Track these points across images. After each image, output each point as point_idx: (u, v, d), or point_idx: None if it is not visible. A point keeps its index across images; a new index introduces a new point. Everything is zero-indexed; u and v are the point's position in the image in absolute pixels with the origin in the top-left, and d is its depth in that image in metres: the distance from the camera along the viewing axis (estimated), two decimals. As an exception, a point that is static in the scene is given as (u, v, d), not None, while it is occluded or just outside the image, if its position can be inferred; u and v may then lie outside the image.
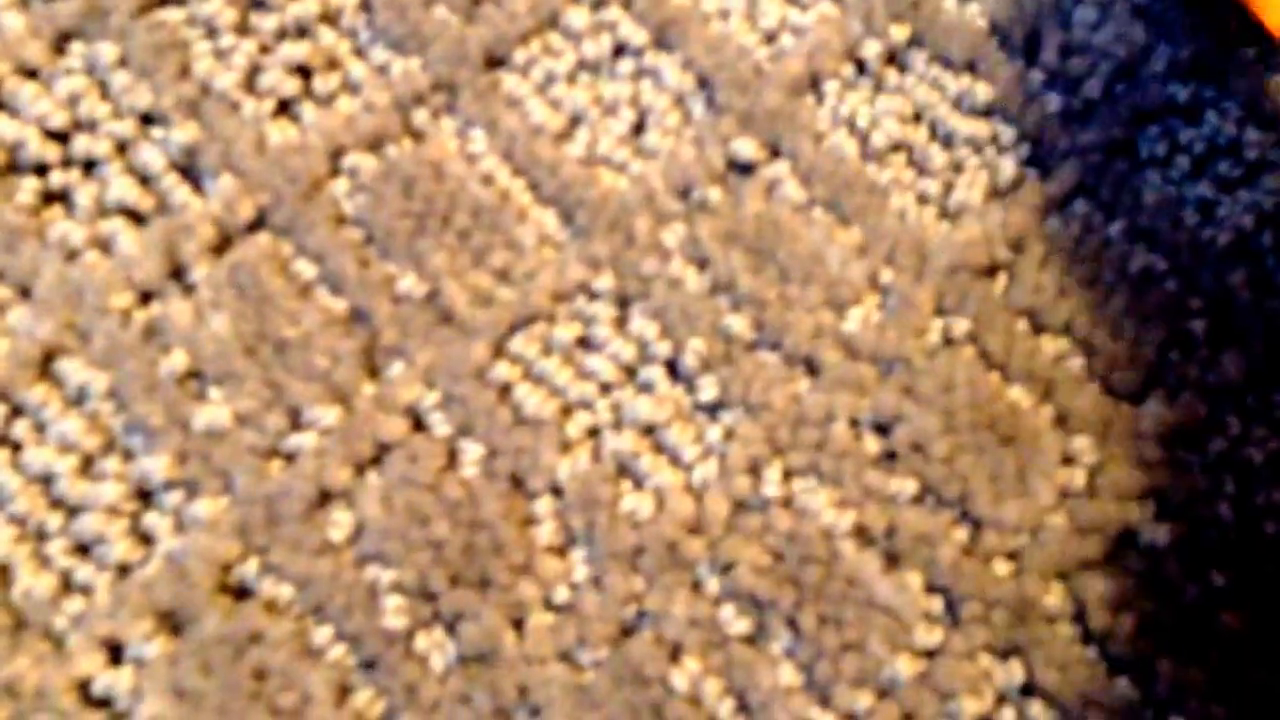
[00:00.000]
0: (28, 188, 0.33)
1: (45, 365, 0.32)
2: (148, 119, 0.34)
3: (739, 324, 0.34)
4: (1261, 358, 0.35)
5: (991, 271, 0.36)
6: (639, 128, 0.36)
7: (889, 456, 0.34)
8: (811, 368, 0.34)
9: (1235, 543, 0.33)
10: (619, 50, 0.37)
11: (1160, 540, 0.33)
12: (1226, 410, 0.35)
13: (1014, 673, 0.32)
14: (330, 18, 0.36)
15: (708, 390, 0.34)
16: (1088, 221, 0.36)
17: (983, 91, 0.37)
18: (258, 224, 0.34)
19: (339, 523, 0.32)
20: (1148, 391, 0.35)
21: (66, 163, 0.34)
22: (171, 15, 0.35)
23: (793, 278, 0.35)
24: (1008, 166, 0.37)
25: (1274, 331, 0.35)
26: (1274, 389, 0.35)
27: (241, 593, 0.31)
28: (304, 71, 0.35)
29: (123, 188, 0.34)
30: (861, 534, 0.33)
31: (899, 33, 0.38)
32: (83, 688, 0.30)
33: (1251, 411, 0.35)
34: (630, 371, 0.34)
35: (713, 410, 0.34)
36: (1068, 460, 0.34)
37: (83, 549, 0.31)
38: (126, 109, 0.34)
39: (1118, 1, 0.38)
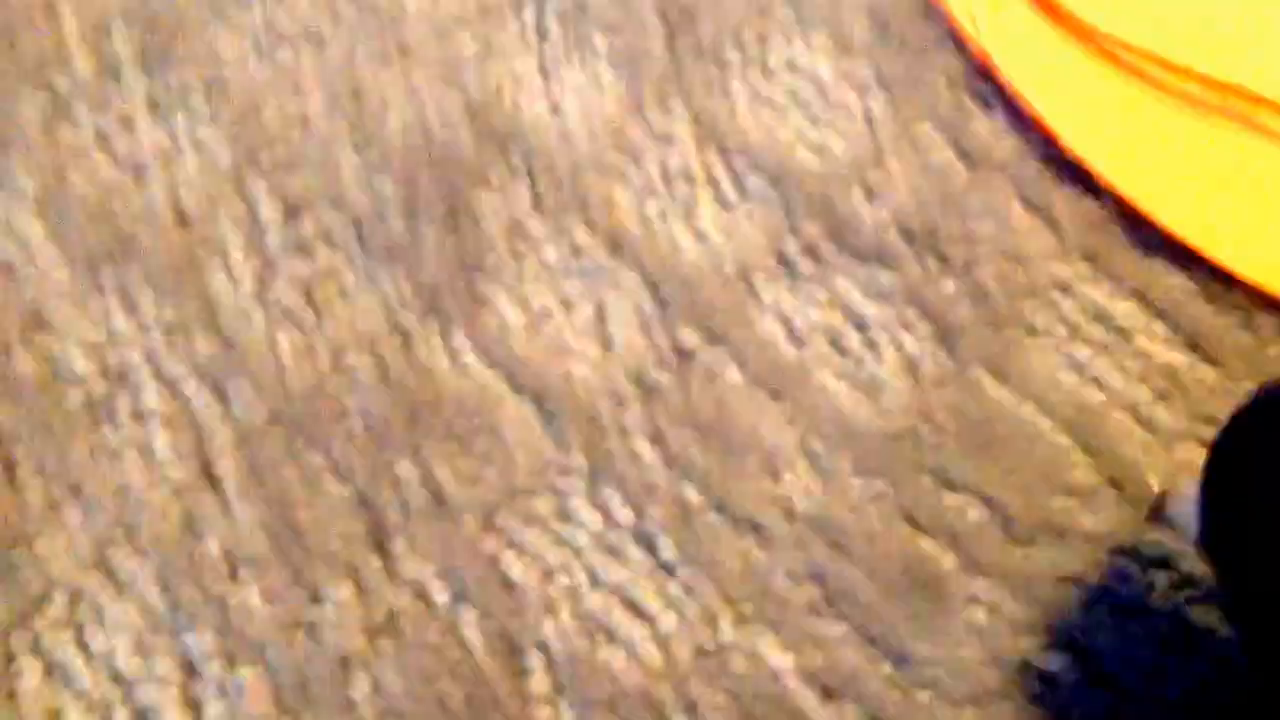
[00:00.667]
0: (74, 398, 0.39)
1: (100, 556, 0.38)
2: (173, 332, 0.40)
3: (692, 493, 0.41)
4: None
5: (904, 436, 0.43)
6: (598, 321, 0.43)
7: (824, 602, 0.41)
8: (755, 528, 0.41)
9: (1113, 669, 0.40)
10: (576, 253, 0.43)
11: (1053, 667, 0.40)
12: (1105, 549, 0.42)
13: (937, 790, 0.38)
14: (326, 236, 0.42)
15: (667, 551, 0.40)
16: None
17: (889, 279, 0.44)
18: (273, 422, 0.40)
19: (359, 685, 0.38)
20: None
21: (105, 374, 0.39)
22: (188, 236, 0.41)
23: (734, 450, 0.42)
24: (913, 343, 0.44)
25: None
26: (1146, 529, 0.42)
27: (278, 752, 0.37)
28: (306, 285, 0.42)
29: (155, 395, 0.40)
30: (803, 671, 0.40)
31: (815, 229, 0.44)
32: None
33: (1125, 550, 0.42)
34: (600, 538, 0.40)
35: (672, 569, 0.41)
36: (973, 600, 0.41)
37: (141, 717, 0.37)
38: (155, 323, 0.40)
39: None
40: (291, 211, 0.41)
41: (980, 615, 0.39)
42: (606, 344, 0.42)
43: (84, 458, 0.38)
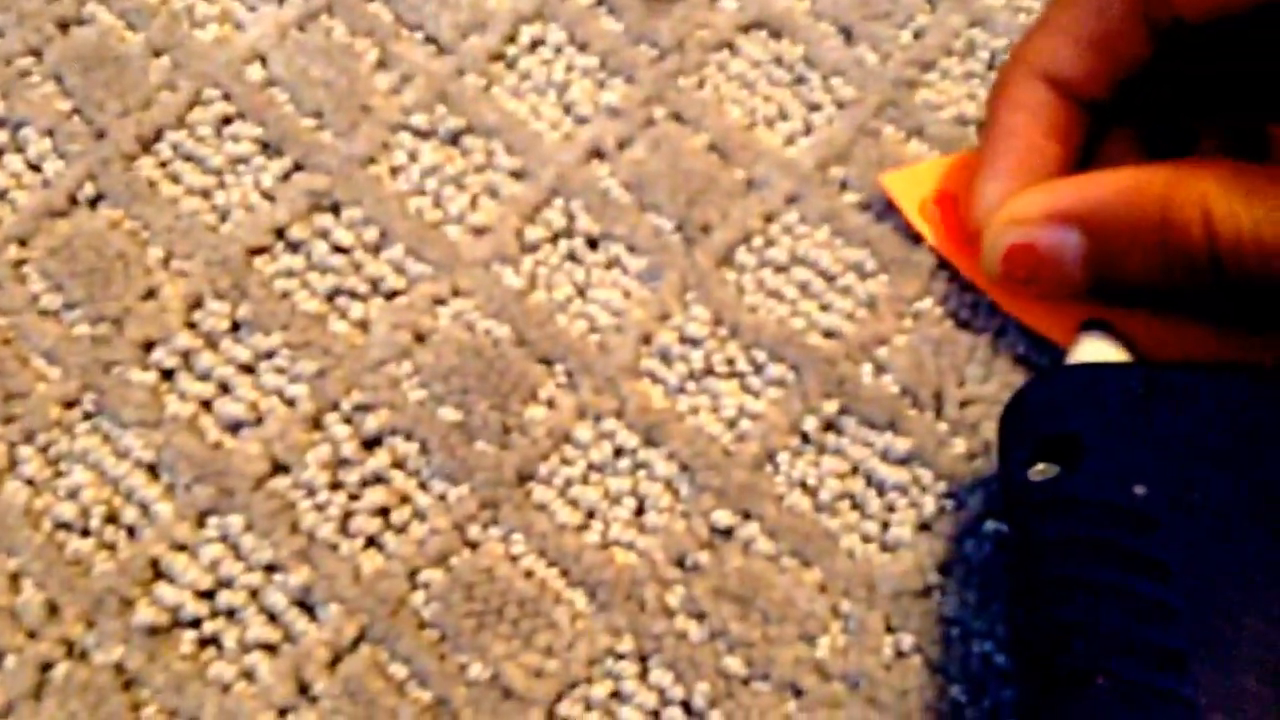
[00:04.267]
0: (187, 639, 0.39)
1: (214, 780, 0.37)
2: (271, 569, 0.40)
3: (735, 664, 0.39)
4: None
5: (927, 592, 0.40)
6: (640, 511, 0.41)
7: (862, 757, 0.38)
8: (796, 692, 0.39)
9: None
10: (618, 452, 0.42)
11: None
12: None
13: None
14: (399, 464, 0.41)
15: (716, 722, 0.38)
16: (998, 539, 0.41)
17: (903, 444, 0.42)
18: (359, 640, 0.39)
19: None
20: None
21: (215, 614, 0.39)
22: (281, 484, 0.41)
23: (772, 619, 0.40)
24: (929, 503, 0.41)
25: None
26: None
27: None
28: (384, 510, 0.41)
29: (257, 627, 0.39)
30: (847, 826, 0.37)
31: (831, 406, 0.43)
32: None
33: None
34: (655, 715, 0.39)
35: (722, 738, 0.38)
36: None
37: None
38: (254, 564, 0.40)
39: (999, 355, 0.43)
40: (368, 446, 0.40)
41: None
42: (650, 531, 0.40)
43: (199, 690, 0.37)
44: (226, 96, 0.46)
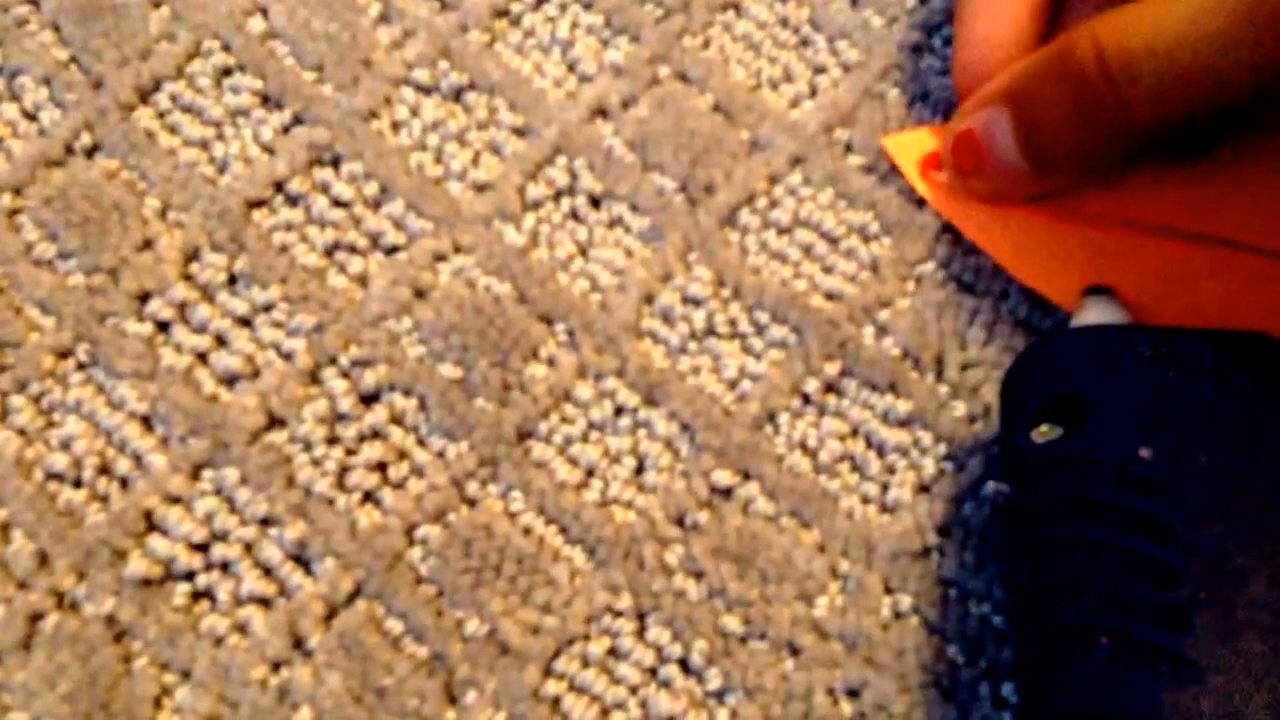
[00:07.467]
0: (180, 592, 0.38)
1: (207, 733, 0.36)
2: (266, 522, 0.39)
3: (733, 623, 0.38)
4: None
5: (925, 553, 0.39)
6: (639, 470, 0.40)
7: (860, 717, 0.37)
8: (794, 651, 0.38)
9: None
10: (618, 411, 0.41)
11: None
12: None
13: None
14: (397, 420, 0.41)
15: (713, 680, 0.38)
16: (997, 502, 0.40)
17: (903, 406, 0.41)
18: (355, 595, 0.38)
19: (438, 832, 0.36)
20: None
21: (208, 567, 0.38)
22: (277, 438, 0.40)
23: (771, 578, 0.39)
24: (929, 465, 0.40)
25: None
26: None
27: None
28: (381, 465, 0.40)
29: (252, 580, 0.38)
30: (844, 786, 0.36)
31: (832, 368, 0.42)
32: None
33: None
34: (652, 672, 0.38)
35: (719, 696, 0.38)
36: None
37: None
38: (249, 517, 0.39)
39: (1001, 320, 0.42)
40: (366, 402, 0.39)
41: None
42: (649, 490, 0.39)
43: (191, 644, 0.36)
44: (226, 48, 0.45)
